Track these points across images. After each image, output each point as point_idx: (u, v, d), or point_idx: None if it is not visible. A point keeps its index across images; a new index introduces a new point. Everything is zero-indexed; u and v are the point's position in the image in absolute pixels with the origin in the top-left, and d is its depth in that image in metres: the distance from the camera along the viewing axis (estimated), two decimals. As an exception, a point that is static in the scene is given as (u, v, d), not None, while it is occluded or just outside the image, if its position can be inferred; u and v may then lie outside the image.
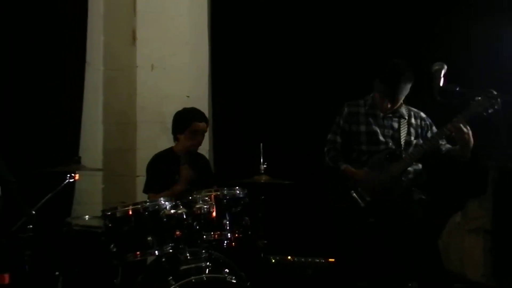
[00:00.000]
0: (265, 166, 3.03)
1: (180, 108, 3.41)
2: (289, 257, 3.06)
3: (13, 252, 2.42)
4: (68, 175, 2.71)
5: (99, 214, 2.70)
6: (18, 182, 2.30)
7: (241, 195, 2.75)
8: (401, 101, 2.95)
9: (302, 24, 3.94)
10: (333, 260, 2.98)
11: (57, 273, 2.83)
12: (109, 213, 2.57)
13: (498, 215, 3.14)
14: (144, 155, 3.59)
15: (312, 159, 3.32)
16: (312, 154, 3.31)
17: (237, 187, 2.76)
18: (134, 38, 3.86)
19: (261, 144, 3.05)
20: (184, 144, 3.25)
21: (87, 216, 2.96)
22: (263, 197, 2.99)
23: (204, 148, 3.69)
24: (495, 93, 2.54)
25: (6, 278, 2.22)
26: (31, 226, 2.52)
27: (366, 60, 3.63)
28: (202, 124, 3.22)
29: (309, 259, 3.04)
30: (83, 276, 2.76)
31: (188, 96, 3.91)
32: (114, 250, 2.54)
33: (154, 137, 3.81)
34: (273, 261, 3.02)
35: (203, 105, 3.91)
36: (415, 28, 3.62)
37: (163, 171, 3.21)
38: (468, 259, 3.19)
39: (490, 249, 3.11)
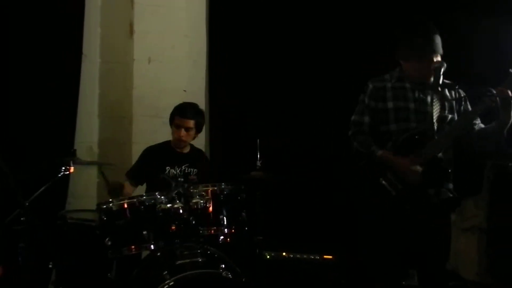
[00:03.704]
0: (261, 161, 3.02)
1: (176, 103, 3.39)
2: (284, 253, 3.05)
3: (7, 244, 2.40)
4: (63, 168, 2.68)
5: (94, 207, 2.69)
6: (13, 174, 2.27)
7: (237, 191, 2.74)
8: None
9: (300, 20, 3.91)
10: (329, 257, 2.96)
11: (50, 265, 2.81)
12: (105, 206, 2.56)
13: (493, 214, 3.14)
14: (139, 148, 3.55)
15: (309, 154, 3.31)
16: (309, 149, 3.29)
17: (234, 183, 2.75)
18: (131, 31, 3.84)
19: (258, 139, 3.04)
20: (172, 137, 3.28)
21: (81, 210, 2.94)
22: (259, 192, 2.97)
23: (201, 143, 3.68)
24: (494, 91, 2.47)
25: (0, 270, 2.20)
26: (24, 218, 2.50)
27: (362, 55, 3.61)
28: (182, 120, 3.20)
29: (305, 256, 3.03)
30: (77, 269, 2.74)
31: (185, 91, 3.88)
32: (109, 243, 2.53)
33: (150, 131, 3.78)
34: (268, 257, 3.01)
35: (200, 99, 3.87)
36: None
37: (151, 163, 3.24)
38: (463, 257, 3.20)
39: (485, 248, 3.10)
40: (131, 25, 3.83)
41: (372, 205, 2.52)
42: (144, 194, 2.74)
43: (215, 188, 2.71)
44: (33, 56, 3.51)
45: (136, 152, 3.67)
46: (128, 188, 3.21)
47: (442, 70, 2.46)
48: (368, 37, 3.64)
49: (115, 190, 3.04)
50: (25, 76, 3.48)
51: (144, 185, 3.32)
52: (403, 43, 2.53)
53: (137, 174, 3.27)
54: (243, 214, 2.73)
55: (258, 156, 2.99)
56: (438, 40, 2.48)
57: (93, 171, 3.78)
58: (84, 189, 3.75)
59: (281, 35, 3.92)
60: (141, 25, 3.83)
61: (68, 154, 2.78)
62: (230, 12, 4.02)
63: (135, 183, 3.29)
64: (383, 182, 2.47)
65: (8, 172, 2.23)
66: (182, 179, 3.20)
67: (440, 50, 2.49)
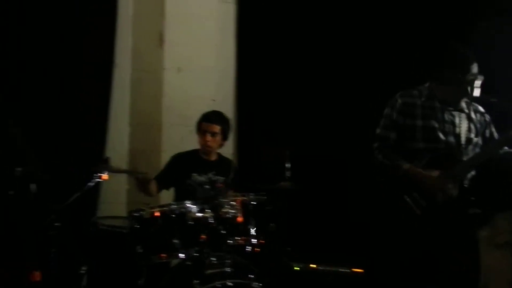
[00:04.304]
0: (290, 171, 3.02)
1: (204, 111, 3.43)
2: (312, 265, 3.03)
3: (42, 250, 2.46)
4: (97, 175, 2.74)
5: (125, 214, 2.73)
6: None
7: (267, 201, 2.75)
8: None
9: (330, 29, 3.90)
10: (359, 270, 2.93)
11: (81, 271, 2.86)
12: (136, 214, 2.60)
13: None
14: (168, 156, 3.60)
15: (339, 164, 3.29)
16: (338, 159, 3.27)
17: (263, 193, 2.76)
18: (161, 41, 3.90)
19: (287, 149, 3.04)
20: (199, 144, 3.32)
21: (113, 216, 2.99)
22: (288, 203, 2.97)
23: (228, 152, 3.70)
24: None
25: (38, 275, 2.25)
26: (57, 224, 2.56)
27: (393, 67, 3.58)
28: (207, 125, 3.25)
29: (333, 268, 3.01)
30: (108, 275, 2.79)
31: (214, 100, 3.92)
32: (140, 251, 2.56)
33: (179, 139, 3.83)
34: (296, 268, 3.00)
35: (228, 108, 3.91)
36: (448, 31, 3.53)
37: (178, 169, 3.28)
38: (495, 274, 3.12)
39: (518, 264, 3.02)
40: (161, 35, 3.90)
41: (394, 223, 2.50)
42: (174, 202, 2.76)
43: (245, 198, 2.72)
44: (67, 65, 3.60)
45: (165, 160, 3.70)
46: (153, 186, 3.24)
47: (478, 82, 2.43)
48: (399, 50, 3.61)
49: (143, 184, 3.10)
50: (60, 85, 3.57)
51: (169, 191, 3.36)
52: (439, 68, 2.55)
53: (164, 179, 3.32)
54: (272, 224, 2.74)
55: (287, 165, 2.99)
56: (475, 69, 2.49)
57: (123, 178, 3.83)
58: (114, 195, 3.81)
59: (309, 44, 3.92)
60: (171, 34, 3.89)
61: (101, 162, 2.84)
62: (258, 21, 4.05)
63: (161, 187, 3.33)
64: (407, 199, 2.44)
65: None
66: (208, 186, 3.25)
67: (477, 78, 2.49)
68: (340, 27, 3.85)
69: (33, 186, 2.03)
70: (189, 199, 2.75)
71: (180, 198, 3.20)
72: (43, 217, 2.36)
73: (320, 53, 3.89)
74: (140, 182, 3.10)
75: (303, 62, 3.93)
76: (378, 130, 2.63)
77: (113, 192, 3.82)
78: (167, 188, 3.38)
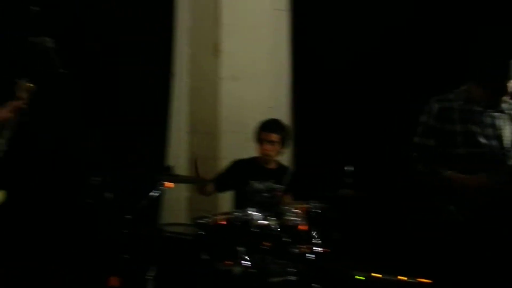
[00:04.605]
0: (352, 178, 2.98)
1: (261, 119, 3.46)
2: (376, 275, 2.97)
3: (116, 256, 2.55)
4: (162, 183, 2.82)
5: (185, 221, 2.79)
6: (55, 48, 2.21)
7: (330, 209, 2.74)
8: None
9: (386, 34, 3.84)
10: (426, 280, 2.84)
11: (148, 277, 2.94)
12: (201, 221, 2.65)
13: None
14: (226, 164, 3.66)
15: (401, 171, 3.21)
16: (401, 166, 3.19)
17: (326, 201, 2.75)
18: (217, 50, 3.98)
19: (348, 154, 3.01)
20: (258, 153, 3.35)
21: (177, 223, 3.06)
22: (350, 211, 2.93)
23: (286, 159, 3.71)
24: None
25: (116, 281, 2.34)
26: (127, 231, 2.65)
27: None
28: (266, 134, 3.27)
29: (398, 278, 2.93)
30: (173, 281, 2.85)
31: (270, 107, 3.95)
32: (205, 257, 2.61)
33: (237, 147, 3.87)
34: (359, 278, 2.96)
35: (284, 115, 3.94)
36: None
37: (236, 175, 3.33)
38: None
39: None
40: (217, 45, 3.97)
41: (437, 233, 2.46)
42: (238, 210, 2.80)
43: (308, 206, 2.71)
44: (129, 78, 3.73)
45: (222, 167, 3.78)
46: (210, 188, 3.31)
47: None
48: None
49: (200, 184, 3.19)
50: (124, 96, 3.70)
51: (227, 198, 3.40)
52: (478, 67, 2.46)
53: (221, 182, 3.37)
54: (335, 233, 2.71)
55: (349, 172, 2.96)
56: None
57: (183, 185, 3.92)
58: (175, 203, 3.90)
59: (365, 49, 3.88)
60: (226, 44, 3.96)
61: (166, 170, 2.92)
62: (311, 27, 4.05)
63: (217, 189, 3.38)
64: (451, 208, 2.40)
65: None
66: (267, 194, 3.28)
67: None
68: (396, 31, 3.78)
69: (109, 195, 2.12)
70: (249, 207, 2.78)
71: (239, 205, 3.24)
72: (115, 224, 2.45)
73: (378, 56, 3.84)
74: (199, 182, 3.17)
75: (359, 67, 3.88)
76: (416, 139, 2.56)
77: (173, 199, 3.92)
78: (223, 191, 3.43)
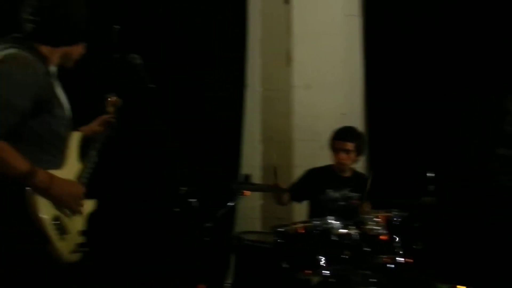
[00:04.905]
0: (434, 185, 2.87)
1: (334, 126, 3.43)
2: (460, 287, 2.83)
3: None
4: (241, 192, 2.86)
5: (260, 229, 2.80)
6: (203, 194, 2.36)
7: (412, 218, 2.65)
8: None
9: (462, 39, 3.70)
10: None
11: (226, 284, 2.99)
12: (281, 229, 2.66)
13: None
14: (300, 172, 3.65)
15: (485, 178, 3.06)
16: (484, 171, 3.04)
17: (408, 209, 2.67)
18: (289, 59, 4.00)
19: (427, 160, 2.90)
20: (333, 161, 3.30)
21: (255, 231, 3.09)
22: (433, 219, 2.83)
23: (360, 167, 3.65)
24: None
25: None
26: (207, 239, 2.70)
27: None
28: (341, 143, 3.23)
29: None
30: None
31: (343, 114, 3.91)
32: (285, 266, 2.61)
33: (309, 155, 3.87)
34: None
35: (358, 122, 3.88)
36: None
37: (312, 184, 3.31)
38: None
39: None
40: (289, 54, 3.99)
41: None
42: (317, 218, 2.79)
43: (389, 214, 2.64)
44: (204, 90, 3.84)
45: (297, 175, 3.77)
46: (286, 197, 3.31)
47: None
48: None
49: (278, 193, 3.19)
50: (199, 108, 3.81)
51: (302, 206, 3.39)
52: None
53: (297, 191, 3.36)
54: (418, 242, 2.62)
55: (430, 179, 2.85)
56: None
57: (258, 193, 3.97)
58: (249, 211, 3.95)
59: (440, 51, 3.76)
60: (298, 53, 3.97)
61: (245, 178, 2.96)
62: (385, 31, 3.97)
63: (293, 198, 3.38)
64: None
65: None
66: (343, 203, 3.24)
67: None
68: (471, 32, 3.63)
69: (195, 203, 2.19)
70: (325, 215, 2.75)
71: (315, 214, 3.22)
72: (199, 232, 2.51)
73: (448, 59, 3.71)
74: (277, 190, 3.18)
75: (432, 69, 3.77)
76: (500, 150, 2.47)
77: (248, 208, 3.96)
78: (299, 201, 3.42)
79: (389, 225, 2.61)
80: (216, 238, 2.82)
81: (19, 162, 1.74)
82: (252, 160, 4.05)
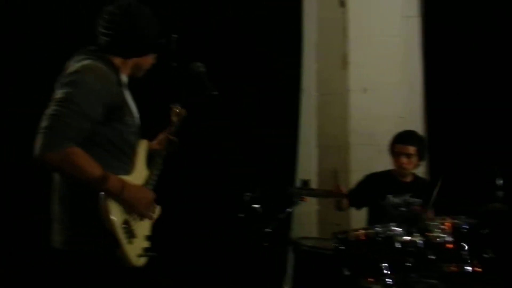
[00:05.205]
0: (502, 192, 2.74)
1: (392, 130, 3.35)
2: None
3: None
4: (301, 197, 2.85)
5: (316, 235, 2.76)
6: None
7: (480, 225, 2.54)
8: None
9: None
10: None
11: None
12: (342, 236, 2.62)
13: None
14: (358, 177, 3.58)
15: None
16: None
17: (475, 216, 2.56)
18: (345, 63, 3.95)
19: (496, 164, 2.77)
20: (394, 166, 3.22)
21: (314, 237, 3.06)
22: (502, 227, 2.70)
23: (421, 171, 3.54)
24: None
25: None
26: (267, 244, 2.71)
27: None
28: (402, 147, 3.14)
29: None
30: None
31: (402, 117, 3.81)
32: (347, 273, 2.57)
33: (367, 159, 3.81)
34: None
35: (417, 125, 3.77)
36: None
37: (371, 189, 3.23)
38: None
39: None
40: (345, 57, 3.95)
41: None
42: (379, 225, 2.73)
43: (455, 221, 2.55)
44: (261, 95, 3.86)
45: (354, 180, 3.71)
46: (345, 202, 3.24)
47: None
48: None
49: (339, 197, 3.13)
50: (257, 113, 3.83)
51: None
52: None
53: (355, 197, 3.30)
54: (489, 250, 2.50)
55: (499, 184, 2.72)
56: None
57: (314, 199, 3.94)
58: (306, 216, 3.93)
59: (502, 52, 3.59)
60: (355, 56, 3.92)
61: (304, 184, 2.95)
62: (445, 31, 3.84)
63: (352, 204, 3.31)
64: None
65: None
66: (404, 209, 3.15)
67: None
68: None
69: (259, 208, 2.21)
70: (385, 222, 2.68)
71: (375, 220, 3.15)
72: (261, 237, 2.53)
73: (510, 60, 3.53)
74: (337, 196, 3.14)
75: (494, 70, 3.61)
76: None
77: (304, 213, 3.94)
78: (358, 207, 3.36)
79: (456, 232, 2.51)
80: (274, 244, 2.83)
81: (92, 167, 1.81)
82: (307, 165, 4.03)
